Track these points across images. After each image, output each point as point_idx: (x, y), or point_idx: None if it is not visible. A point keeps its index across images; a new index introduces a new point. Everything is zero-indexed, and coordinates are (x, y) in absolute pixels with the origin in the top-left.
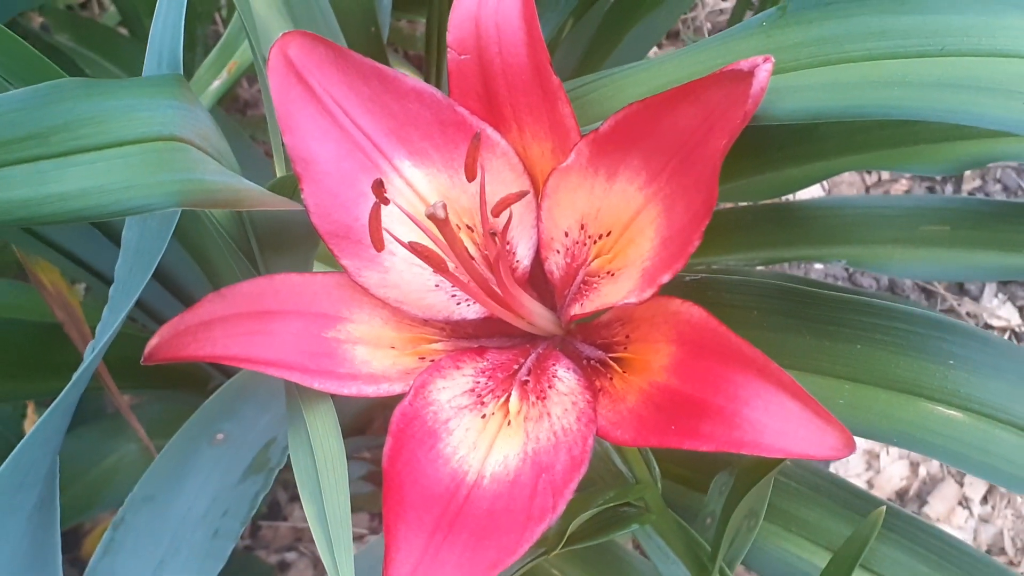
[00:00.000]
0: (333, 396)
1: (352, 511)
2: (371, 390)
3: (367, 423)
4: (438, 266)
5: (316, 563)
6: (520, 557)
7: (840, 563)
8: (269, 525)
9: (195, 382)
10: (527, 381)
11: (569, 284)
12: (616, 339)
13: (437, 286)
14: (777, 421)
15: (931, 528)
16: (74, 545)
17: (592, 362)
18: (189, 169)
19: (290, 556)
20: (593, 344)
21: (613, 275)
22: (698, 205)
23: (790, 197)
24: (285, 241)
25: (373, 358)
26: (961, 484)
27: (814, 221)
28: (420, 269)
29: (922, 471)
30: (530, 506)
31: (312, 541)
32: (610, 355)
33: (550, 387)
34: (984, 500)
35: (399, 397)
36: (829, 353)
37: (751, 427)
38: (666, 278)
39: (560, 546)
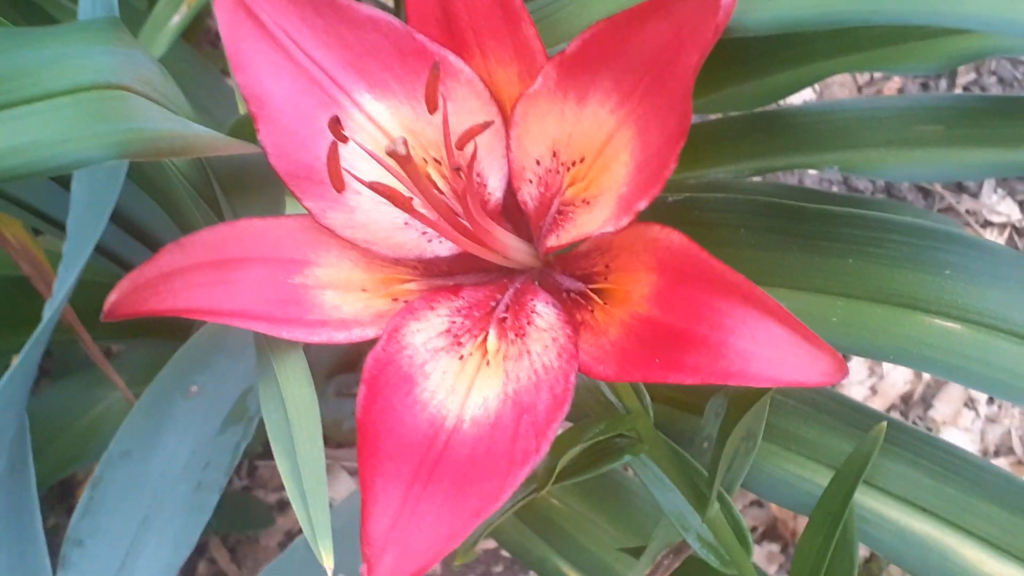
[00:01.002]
0: (307, 343)
1: (344, 445)
2: (343, 336)
3: (357, 359)
4: (403, 205)
5: None
6: (505, 502)
7: (842, 481)
8: (266, 464)
9: (178, 328)
10: (505, 318)
11: (544, 215)
12: (596, 269)
13: (407, 224)
14: (765, 349)
15: (935, 440)
16: (69, 495)
17: (572, 294)
18: (129, 118)
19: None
20: (573, 275)
21: (588, 204)
22: (672, 126)
23: (781, 104)
24: (251, 184)
25: (344, 302)
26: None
27: (805, 127)
28: (388, 208)
29: (926, 375)
30: (512, 449)
31: None
32: (590, 286)
33: (529, 323)
34: (991, 400)
35: None
36: (820, 269)
37: (738, 357)
38: (643, 204)
39: (550, 483)
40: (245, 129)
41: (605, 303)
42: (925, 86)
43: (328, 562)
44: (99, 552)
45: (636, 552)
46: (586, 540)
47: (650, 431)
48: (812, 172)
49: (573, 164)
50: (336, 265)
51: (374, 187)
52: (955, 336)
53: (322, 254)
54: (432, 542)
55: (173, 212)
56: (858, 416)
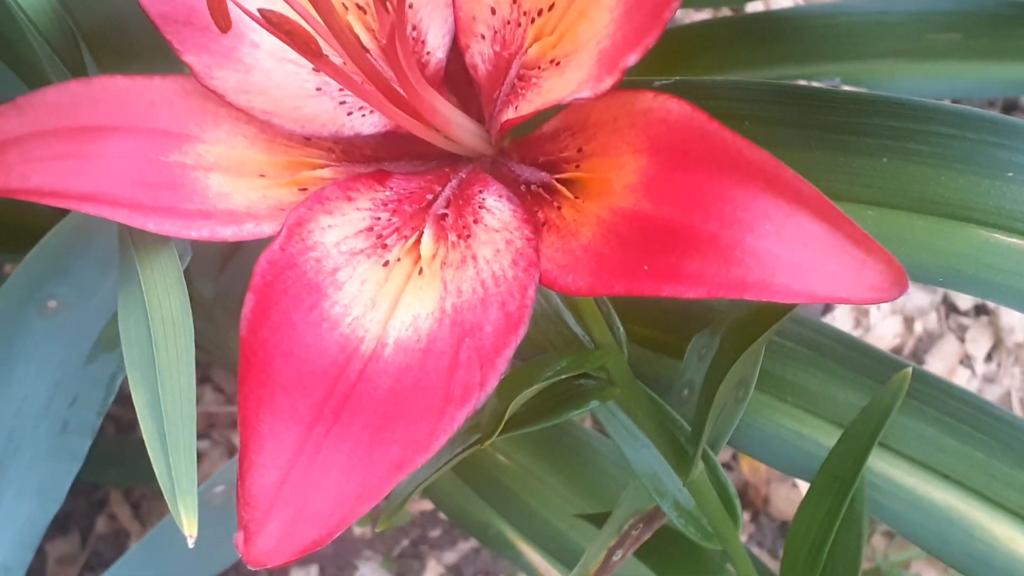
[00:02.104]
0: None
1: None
2: (230, 232)
3: None
4: (309, 50)
5: (232, 451)
6: (436, 453)
7: (854, 440)
8: None
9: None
10: (445, 215)
11: (499, 82)
12: (565, 154)
13: (319, 89)
14: (794, 251)
15: (962, 392)
16: None
17: (533, 187)
18: None
19: (201, 445)
20: (534, 164)
21: (559, 64)
22: None
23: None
24: (133, 49)
25: (234, 190)
26: (962, 340)
27: (802, 33)
28: (294, 67)
29: (918, 327)
30: (449, 382)
31: (231, 427)
32: (557, 176)
33: (476, 222)
34: (988, 358)
35: None
36: (846, 171)
37: (757, 261)
38: (632, 59)
39: (497, 432)
40: None
41: (577, 197)
42: None
43: (190, 528)
44: None
45: (597, 520)
46: (537, 504)
47: (623, 372)
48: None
49: (539, 13)
50: (226, 142)
51: (268, 17)
52: (1021, 254)
53: (208, 127)
54: (336, 503)
55: (26, 75)
56: (868, 362)
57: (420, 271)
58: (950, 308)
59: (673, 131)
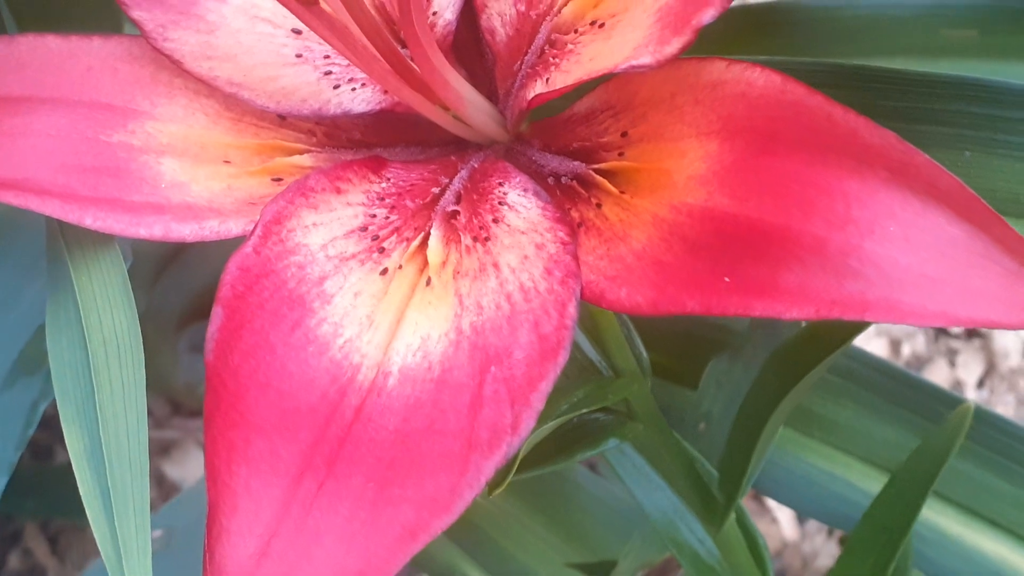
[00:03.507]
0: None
1: (200, 415)
2: (188, 230)
3: None
4: (300, 8)
5: (164, 485)
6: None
7: (905, 486)
8: None
9: None
10: (455, 213)
11: (522, 51)
12: (604, 140)
13: (300, 56)
14: (929, 260)
15: (1014, 428)
16: None
17: (564, 180)
18: None
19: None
20: (564, 152)
21: (603, 26)
22: None
23: None
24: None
25: (192, 179)
26: (953, 364)
27: (807, 27)
28: (270, 27)
29: (905, 350)
30: (472, 424)
31: (161, 455)
32: (594, 166)
33: (496, 221)
34: (980, 384)
35: None
36: None
37: (880, 273)
38: (709, 14)
39: (508, 480)
40: None
41: (623, 192)
42: None
43: None
44: None
45: (590, 570)
46: (514, 547)
47: (647, 405)
48: None
49: None
50: (182, 120)
51: None
52: None
53: (160, 101)
54: None
55: None
56: (908, 392)
57: (428, 282)
58: (939, 330)
59: (756, 109)
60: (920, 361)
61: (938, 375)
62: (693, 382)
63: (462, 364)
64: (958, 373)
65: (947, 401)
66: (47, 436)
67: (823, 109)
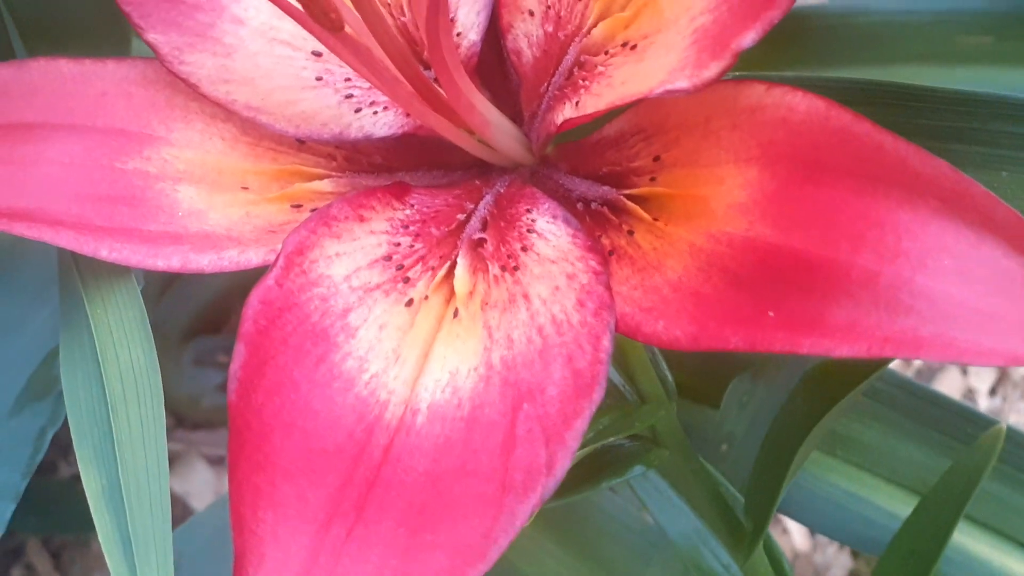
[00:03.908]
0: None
1: (203, 427)
2: (207, 260)
3: (223, 317)
4: (327, 20)
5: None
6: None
7: (935, 509)
8: None
9: None
10: (482, 241)
11: (550, 72)
12: (635, 164)
13: (320, 79)
14: (986, 295)
15: None
16: None
17: (593, 205)
18: None
19: None
20: (593, 176)
21: (635, 48)
22: None
23: None
24: (70, 18)
25: (210, 206)
26: (965, 372)
27: (819, 35)
28: (288, 49)
29: (916, 359)
30: (505, 464)
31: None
32: (625, 191)
33: (525, 250)
34: (993, 392)
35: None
36: None
37: (934, 309)
38: (749, 38)
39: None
40: None
41: (656, 219)
42: None
43: None
44: None
45: None
46: (528, 568)
47: (674, 431)
48: None
49: None
50: (199, 145)
51: None
52: None
53: (176, 126)
54: None
55: None
56: (935, 412)
57: (455, 313)
58: None
59: (799, 135)
60: (932, 368)
61: (950, 383)
62: (714, 400)
63: (493, 401)
64: (970, 381)
65: (972, 419)
66: (51, 451)
67: (871, 137)
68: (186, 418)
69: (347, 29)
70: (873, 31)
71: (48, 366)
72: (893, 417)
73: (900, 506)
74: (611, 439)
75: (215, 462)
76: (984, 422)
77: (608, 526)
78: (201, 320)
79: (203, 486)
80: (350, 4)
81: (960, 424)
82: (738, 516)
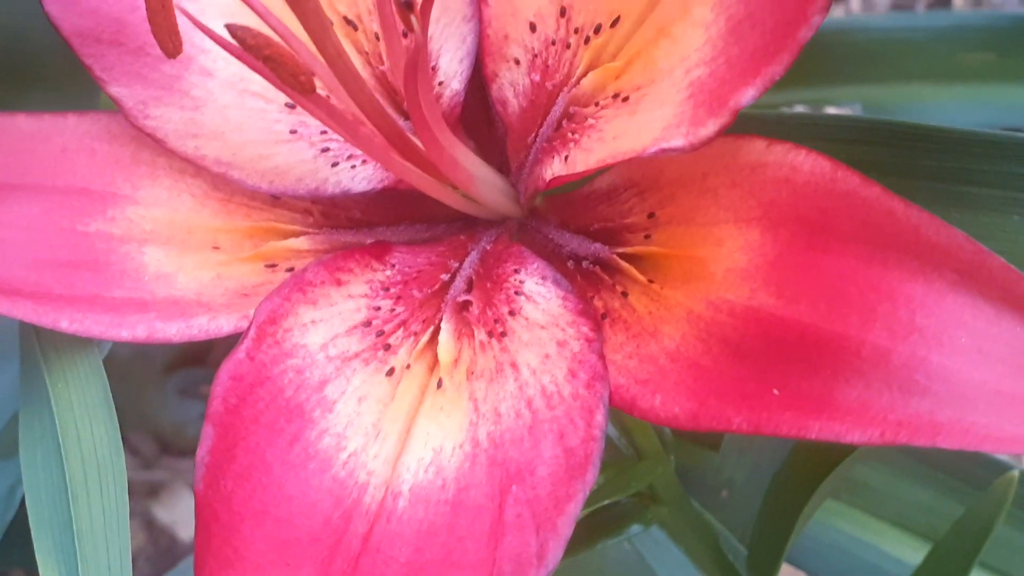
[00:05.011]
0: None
1: (189, 455)
2: (175, 329)
3: (207, 349)
4: (298, 84)
5: (152, 527)
6: None
7: (947, 559)
8: None
9: None
10: (467, 303)
11: (537, 122)
12: (628, 220)
13: (294, 132)
14: (1006, 376)
15: None
16: None
17: (585, 264)
18: None
19: None
20: (584, 232)
21: (627, 100)
22: None
23: None
24: (34, 59)
25: (179, 268)
26: None
27: (819, 52)
28: (261, 101)
29: None
30: (493, 554)
31: (149, 496)
32: (618, 250)
33: (512, 314)
34: None
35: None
36: (964, 230)
37: (951, 390)
38: (748, 95)
39: None
40: None
41: (651, 280)
42: (976, 3)
43: None
44: None
45: None
46: None
47: (672, 487)
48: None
49: (597, 31)
50: (167, 203)
51: (242, 39)
52: None
53: (142, 183)
54: None
55: None
56: (944, 454)
57: (439, 384)
58: None
59: (803, 197)
60: None
61: None
62: (713, 442)
63: (480, 482)
64: None
65: (983, 462)
66: None
67: (881, 202)
68: (171, 445)
69: (319, 88)
70: (875, 48)
71: (14, 426)
72: (900, 459)
73: (908, 552)
74: (610, 501)
75: None
76: (996, 465)
77: (606, 571)
78: (185, 353)
79: (189, 515)
80: (322, 60)
81: (970, 467)
82: (739, 571)
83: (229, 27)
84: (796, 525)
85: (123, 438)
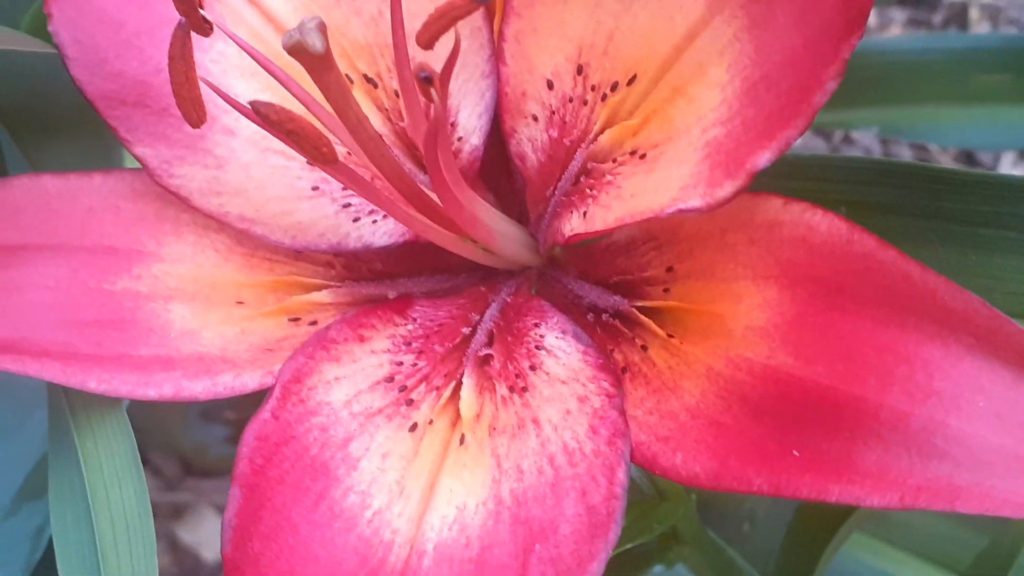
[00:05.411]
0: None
1: (212, 476)
2: (201, 387)
3: None
4: (320, 155)
5: (176, 549)
6: None
7: None
8: None
9: None
10: (488, 358)
11: (555, 177)
12: (648, 273)
13: (316, 189)
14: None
15: None
16: None
17: (604, 317)
18: None
19: None
20: (603, 284)
21: (644, 158)
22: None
23: None
24: (59, 115)
25: (204, 324)
26: None
27: None
28: (282, 159)
29: None
30: None
31: (172, 517)
32: (637, 303)
33: (534, 368)
34: None
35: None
36: (980, 273)
37: (969, 455)
38: (764, 158)
39: None
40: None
41: (671, 335)
42: (992, 18)
43: None
44: None
45: None
46: None
47: (693, 527)
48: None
49: (613, 88)
50: (191, 259)
51: (262, 113)
52: None
53: (167, 240)
54: None
55: None
56: None
57: (462, 440)
58: None
59: (820, 257)
60: None
61: None
62: None
63: (503, 540)
64: None
65: None
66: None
67: (898, 266)
68: (194, 465)
69: (340, 154)
70: (889, 71)
71: (42, 468)
72: None
73: None
74: (629, 545)
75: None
76: None
77: None
78: None
79: (213, 536)
80: (344, 128)
81: None
82: None
83: (253, 104)
84: (822, 559)
85: (146, 459)
